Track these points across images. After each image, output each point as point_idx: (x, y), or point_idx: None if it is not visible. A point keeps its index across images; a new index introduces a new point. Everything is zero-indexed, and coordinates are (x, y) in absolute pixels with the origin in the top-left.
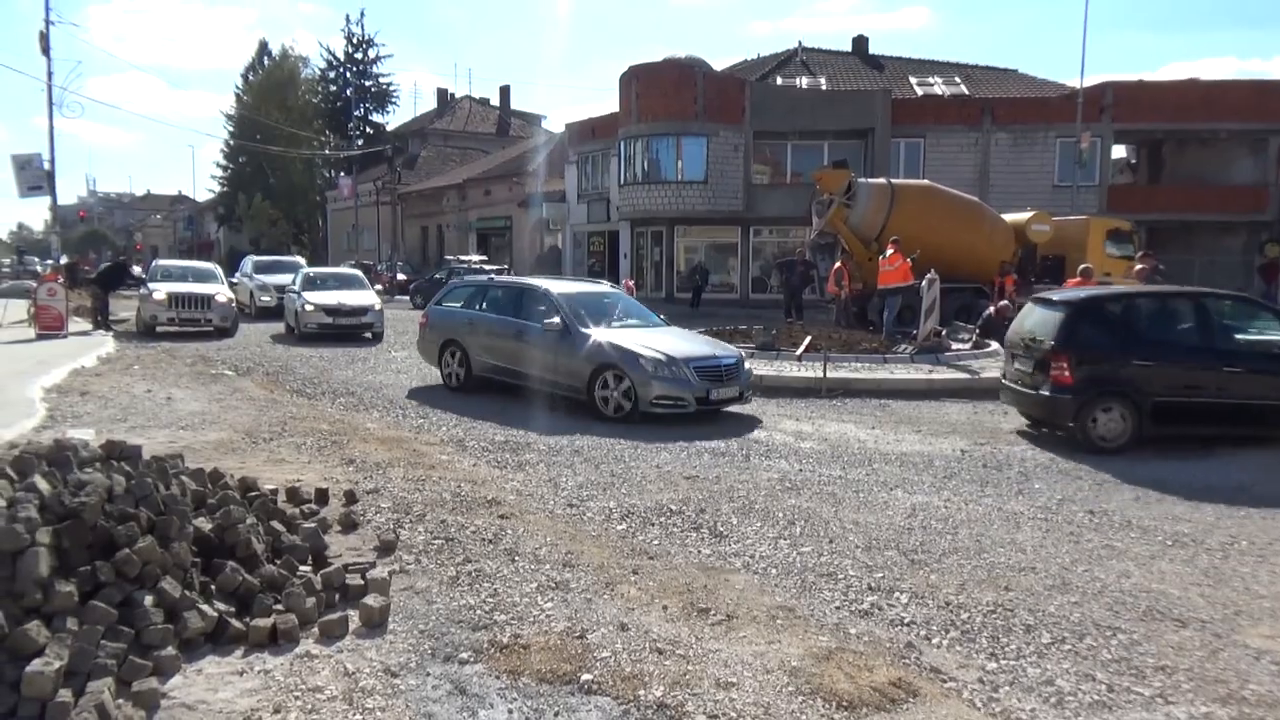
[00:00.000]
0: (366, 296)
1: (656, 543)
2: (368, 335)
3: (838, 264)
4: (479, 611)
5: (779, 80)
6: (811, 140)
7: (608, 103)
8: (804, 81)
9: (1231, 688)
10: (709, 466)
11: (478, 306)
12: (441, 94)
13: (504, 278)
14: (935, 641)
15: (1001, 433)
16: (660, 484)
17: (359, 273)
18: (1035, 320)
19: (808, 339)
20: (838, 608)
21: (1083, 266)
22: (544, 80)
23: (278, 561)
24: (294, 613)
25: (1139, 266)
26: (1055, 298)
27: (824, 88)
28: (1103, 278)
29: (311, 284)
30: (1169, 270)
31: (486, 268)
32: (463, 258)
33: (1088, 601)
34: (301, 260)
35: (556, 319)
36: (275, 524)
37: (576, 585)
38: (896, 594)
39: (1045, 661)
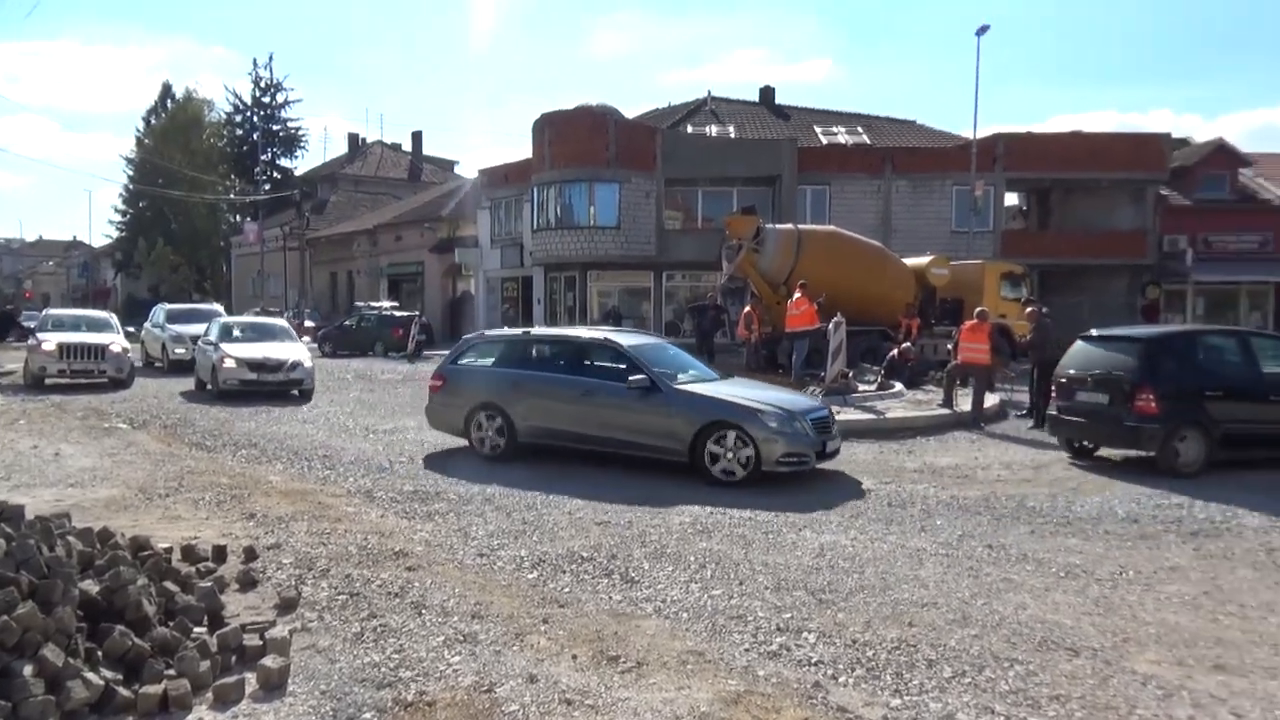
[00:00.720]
0: (295, 350)
1: (568, 590)
2: (295, 393)
3: (747, 308)
4: (384, 669)
5: (689, 128)
6: (721, 187)
7: (521, 149)
8: (713, 130)
9: (1121, 713)
10: (620, 511)
11: (518, 365)
12: (353, 139)
13: (547, 330)
14: (842, 680)
15: (905, 471)
16: (572, 530)
17: (283, 322)
18: (1099, 357)
19: None
20: (747, 650)
21: (978, 309)
22: (457, 126)
23: (170, 624)
24: (186, 677)
25: (1029, 309)
26: (1119, 334)
27: (733, 136)
28: (998, 319)
29: (229, 335)
30: (1059, 312)
31: (397, 314)
32: (373, 304)
33: (987, 634)
34: (220, 309)
35: (641, 375)
36: (168, 584)
37: (485, 637)
38: (804, 634)
39: (947, 695)
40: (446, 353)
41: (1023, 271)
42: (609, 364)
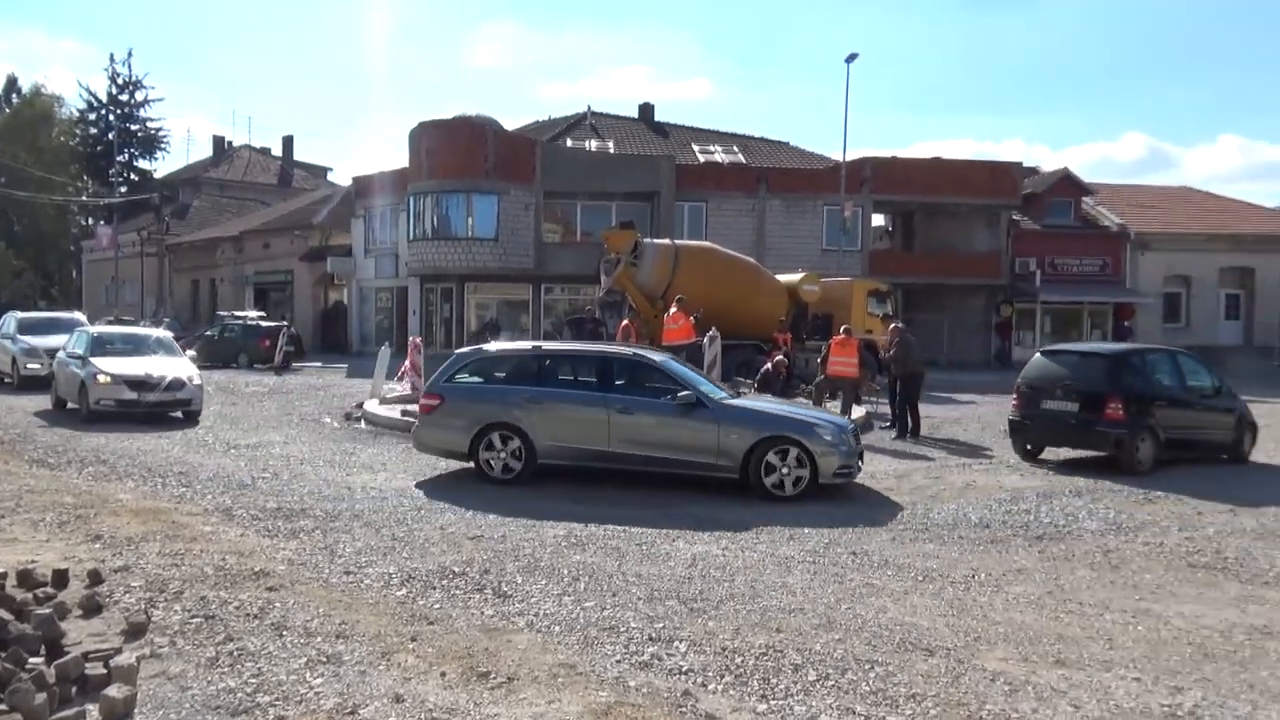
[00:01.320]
0: (179, 365)
1: (438, 607)
2: (179, 414)
3: (625, 321)
4: (240, 694)
5: (569, 142)
6: (600, 201)
7: (397, 157)
8: (593, 144)
9: (971, 709)
10: (494, 525)
11: (532, 381)
12: (218, 141)
13: (562, 345)
14: (711, 688)
15: None
16: (444, 546)
17: (164, 333)
18: (1063, 370)
19: None
20: (618, 661)
21: (844, 326)
22: (330, 132)
23: (3, 654)
24: (20, 712)
25: (892, 327)
26: (1082, 350)
27: (612, 151)
28: (864, 334)
29: (101, 348)
30: (922, 329)
31: (264, 324)
32: (238, 314)
33: (850, 637)
34: (83, 318)
35: (688, 391)
36: (2, 612)
37: (350, 657)
38: (676, 643)
39: (811, 699)
40: (317, 364)
41: (888, 289)
42: (638, 380)
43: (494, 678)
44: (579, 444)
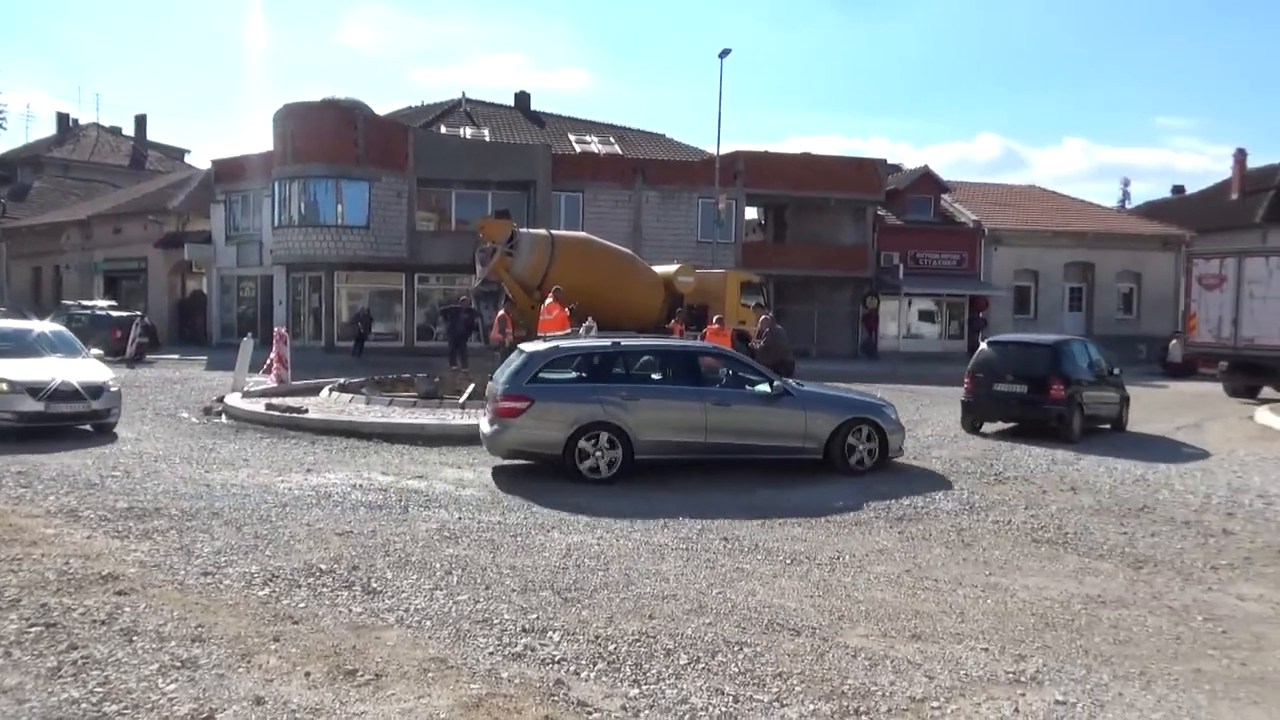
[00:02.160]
0: (90, 368)
1: (303, 605)
2: (88, 428)
3: (501, 312)
4: (85, 705)
5: (443, 129)
6: (476, 189)
7: (260, 140)
8: (468, 132)
9: (834, 685)
10: (364, 521)
11: (616, 379)
12: (62, 119)
13: (640, 341)
14: (584, 675)
15: (651, 470)
16: (310, 542)
17: (59, 328)
18: (1009, 358)
19: (471, 386)
20: (491, 653)
21: (717, 317)
22: (188, 113)
23: None
24: None
25: (763, 318)
26: (1025, 341)
27: (488, 139)
28: (738, 325)
29: None
30: (794, 319)
31: (115, 314)
32: (86, 303)
33: (720, 621)
34: None
35: (778, 381)
36: None
37: (207, 661)
38: (549, 633)
39: (682, 682)
40: (174, 356)
41: (760, 281)
42: (719, 373)
43: (361, 675)
44: (677, 438)
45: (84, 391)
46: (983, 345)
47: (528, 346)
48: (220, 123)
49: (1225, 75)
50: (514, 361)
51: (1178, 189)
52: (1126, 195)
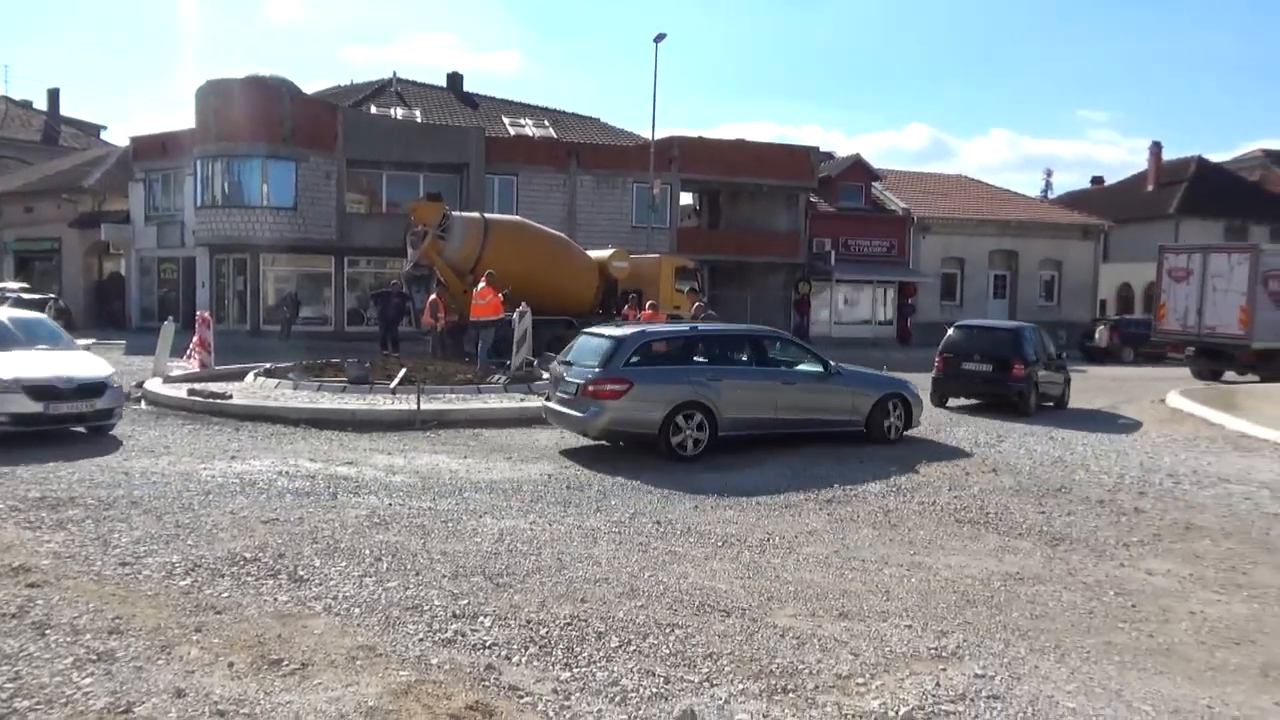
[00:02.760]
0: (89, 363)
1: (227, 595)
2: (81, 429)
3: (433, 296)
4: None
5: (373, 109)
6: (407, 172)
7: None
8: (399, 113)
9: (763, 664)
10: (291, 508)
11: (701, 361)
12: None
13: (716, 326)
14: (515, 660)
15: (584, 455)
16: (235, 531)
17: (41, 316)
18: (975, 340)
19: (402, 371)
20: (421, 640)
21: (650, 302)
22: (104, 87)
23: None
24: None
25: (696, 304)
26: (988, 325)
27: (419, 120)
28: (672, 310)
29: None
30: (729, 303)
31: (27, 296)
32: None
33: (652, 604)
34: None
35: (831, 362)
36: None
37: (125, 653)
38: (480, 618)
39: (613, 664)
40: (90, 340)
41: (694, 266)
42: (778, 353)
43: (287, 665)
44: (756, 414)
45: (86, 389)
46: (951, 329)
47: (613, 331)
48: (138, 98)
49: (1141, 70)
50: (589, 345)
51: (1097, 180)
52: (1049, 185)
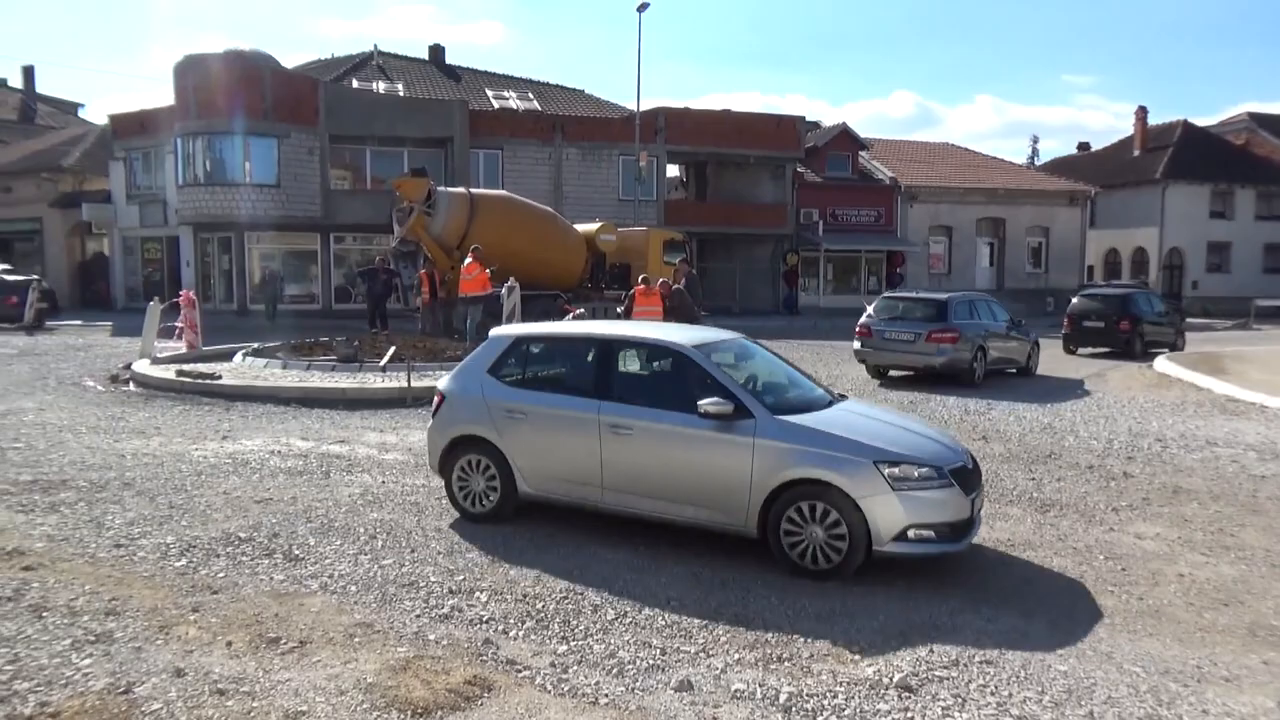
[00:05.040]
0: None
1: (223, 575)
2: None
3: (422, 271)
4: None
5: (355, 83)
6: (391, 147)
7: (160, 94)
8: (381, 86)
9: (759, 634)
10: (284, 487)
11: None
12: None
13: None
14: (512, 634)
15: None
16: (228, 511)
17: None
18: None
19: (391, 349)
20: (418, 616)
21: (643, 276)
22: (82, 64)
23: None
24: None
25: (660, 280)
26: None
27: (402, 94)
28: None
29: None
30: (716, 276)
31: (9, 279)
32: None
33: (646, 576)
34: None
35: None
36: None
37: (123, 634)
38: (476, 594)
39: (609, 637)
40: (76, 322)
41: (683, 238)
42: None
43: (285, 643)
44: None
45: None
46: (879, 299)
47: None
48: (115, 75)
49: (1126, 33)
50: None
51: (1083, 146)
52: (1035, 152)
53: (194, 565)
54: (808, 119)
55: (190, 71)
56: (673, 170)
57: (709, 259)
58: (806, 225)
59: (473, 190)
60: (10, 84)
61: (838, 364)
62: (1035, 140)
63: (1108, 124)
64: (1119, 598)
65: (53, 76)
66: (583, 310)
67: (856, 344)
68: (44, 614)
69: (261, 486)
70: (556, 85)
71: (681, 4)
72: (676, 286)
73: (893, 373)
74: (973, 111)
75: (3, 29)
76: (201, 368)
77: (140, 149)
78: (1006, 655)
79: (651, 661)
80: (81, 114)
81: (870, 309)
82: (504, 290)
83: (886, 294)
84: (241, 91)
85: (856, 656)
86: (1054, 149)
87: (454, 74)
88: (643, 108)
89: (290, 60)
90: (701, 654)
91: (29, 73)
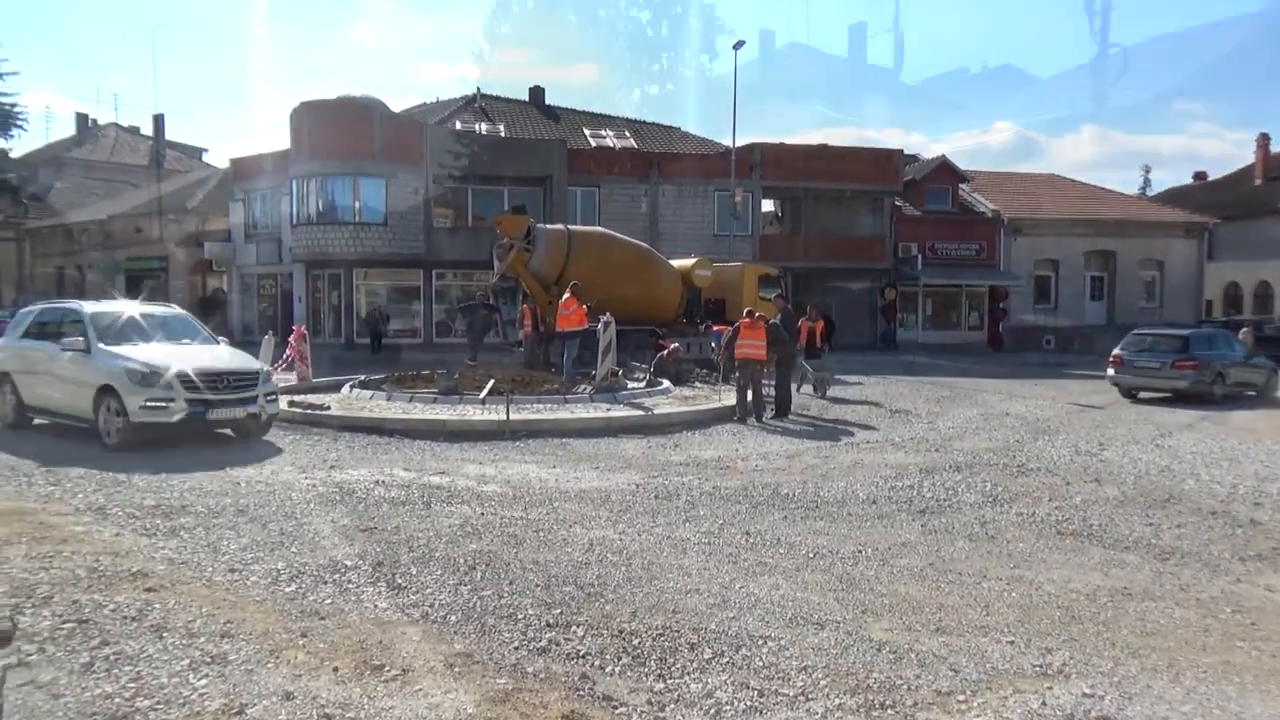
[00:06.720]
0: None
1: (329, 601)
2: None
3: (525, 305)
4: (118, 700)
5: (458, 125)
6: (492, 185)
7: (276, 139)
8: (483, 127)
9: (859, 678)
10: (387, 517)
11: None
12: (82, 119)
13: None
14: (608, 670)
15: (672, 465)
16: (335, 539)
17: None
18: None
19: (491, 382)
20: (516, 648)
21: (747, 309)
22: (205, 112)
23: None
24: None
25: (774, 303)
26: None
27: (503, 134)
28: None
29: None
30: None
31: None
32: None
33: (743, 615)
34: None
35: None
36: None
37: (236, 656)
38: (573, 628)
39: (707, 676)
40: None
41: (778, 273)
42: None
43: (388, 670)
44: None
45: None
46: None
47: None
48: (236, 121)
49: (1241, 61)
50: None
51: (1199, 175)
52: (1148, 182)
53: (303, 591)
54: (906, 152)
55: (305, 116)
56: (768, 205)
57: (804, 294)
58: (905, 259)
59: (570, 227)
60: (142, 132)
61: (937, 401)
62: (1147, 170)
63: (1223, 152)
64: (1249, 654)
65: (180, 124)
66: (678, 345)
67: (1110, 371)
68: (164, 634)
69: (366, 516)
70: (652, 123)
71: (777, 41)
72: (772, 321)
73: (1142, 395)
74: (1078, 142)
75: (135, 80)
76: (311, 398)
77: (258, 190)
78: (1127, 711)
79: (749, 704)
80: (205, 158)
81: (1121, 344)
82: (600, 325)
83: (1136, 330)
84: (352, 135)
85: (963, 705)
86: (1167, 179)
87: (553, 114)
88: (738, 144)
89: (397, 104)
90: (801, 697)
91: (158, 121)
